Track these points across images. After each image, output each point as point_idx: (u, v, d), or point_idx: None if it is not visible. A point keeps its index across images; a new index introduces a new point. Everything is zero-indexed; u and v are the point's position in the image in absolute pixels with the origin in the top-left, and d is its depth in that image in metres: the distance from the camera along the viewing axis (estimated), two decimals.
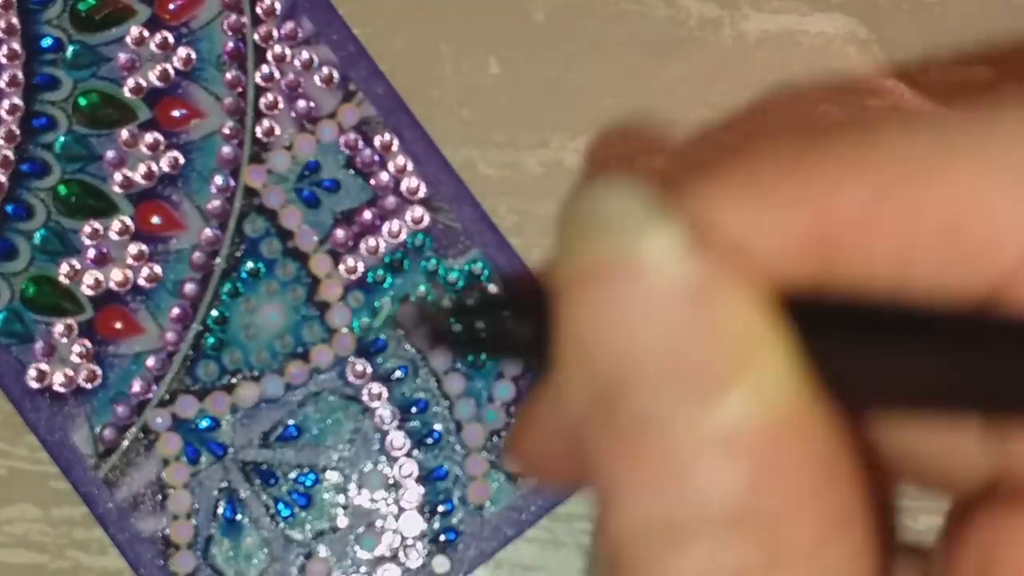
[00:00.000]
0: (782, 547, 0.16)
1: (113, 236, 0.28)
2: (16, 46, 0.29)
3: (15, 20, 0.29)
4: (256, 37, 0.29)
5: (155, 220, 0.28)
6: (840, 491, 0.16)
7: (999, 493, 0.17)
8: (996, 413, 0.17)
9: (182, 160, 0.29)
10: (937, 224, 0.16)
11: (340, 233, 0.28)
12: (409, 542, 0.28)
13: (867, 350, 0.17)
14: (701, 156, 0.29)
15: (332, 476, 0.28)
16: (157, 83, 0.29)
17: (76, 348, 0.28)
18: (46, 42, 0.29)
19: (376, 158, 0.29)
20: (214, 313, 0.28)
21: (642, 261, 0.16)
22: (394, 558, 0.28)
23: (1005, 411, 0.17)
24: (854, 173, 0.16)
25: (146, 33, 0.29)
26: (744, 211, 0.17)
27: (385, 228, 0.28)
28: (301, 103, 0.29)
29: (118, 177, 0.28)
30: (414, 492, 0.28)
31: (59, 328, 0.28)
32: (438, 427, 0.28)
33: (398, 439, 0.28)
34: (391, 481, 0.28)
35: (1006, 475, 0.17)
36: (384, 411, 0.28)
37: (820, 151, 0.17)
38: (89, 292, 0.28)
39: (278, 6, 0.29)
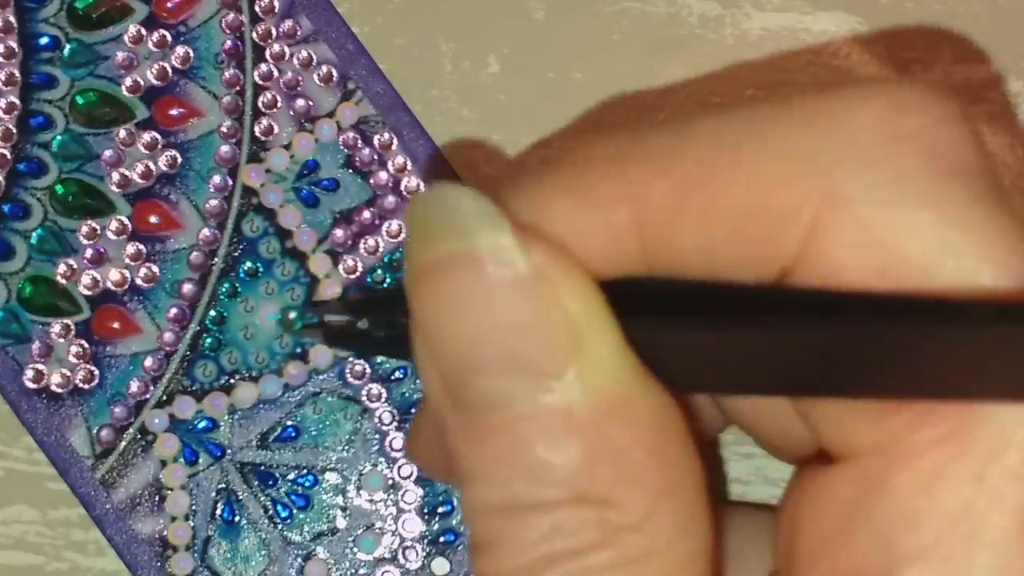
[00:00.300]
0: (613, 522, 0.17)
1: (110, 236, 0.28)
2: (13, 44, 0.28)
3: (12, 18, 0.29)
4: (254, 35, 0.29)
5: (153, 219, 0.28)
6: (668, 464, 0.17)
7: (814, 459, 0.18)
8: (799, 388, 0.18)
9: (180, 159, 0.28)
10: (731, 213, 0.17)
11: (339, 233, 0.28)
12: (408, 543, 0.28)
13: (686, 331, 0.18)
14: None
15: (331, 477, 0.28)
16: (155, 81, 0.28)
17: (73, 348, 0.28)
18: (43, 40, 0.29)
19: (375, 157, 0.28)
20: (212, 313, 0.28)
21: (479, 256, 0.17)
22: (393, 560, 0.28)
23: (804, 385, 0.18)
24: (662, 169, 0.18)
25: (144, 31, 0.28)
26: (570, 210, 0.18)
27: (384, 228, 0.28)
28: (300, 102, 0.28)
29: (115, 176, 0.28)
30: (413, 493, 0.28)
31: (56, 328, 0.28)
32: None
33: (398, 440, 0.28)
34: (390, 482, 0.28)
35: (821, 443, 0.18)
36: (384, 412, 0.28)
37: (635, 149, 0.18)
38: (86, 292, 0.28)
39: (277, 4, 0.29)
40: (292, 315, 0.27)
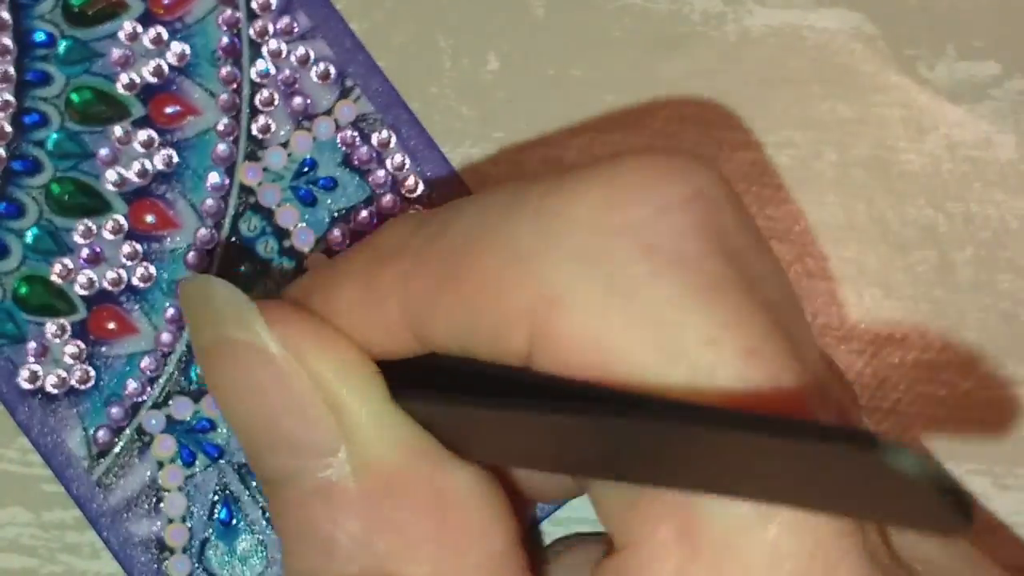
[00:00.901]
0: None
1: (106, 235, 0.28)
2: (7, 41, 0.28)
3: (6, 15, 0.28)
4: (251, 32, 0.28)
5: (149, 219, 0.28)
6: (449, 532, 0.18)
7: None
8: (560, 467, 0.19)
9: (176, 158, 0.28)
10: (469, 312, 0.18)
11: (337, 232, 0.28)
12: None
13: (461, 408, 0.18)
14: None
15: None
16: (151, 79, 0.28)
17: (69, 349, 0.28)
18: (38, 37, 0.28)
19: (374, 155, 0.28)
20: None
21: (233, 344, 0.18)
22: None
23: (564, 465, 0.19)
24: (420, 266, 0.18)
25: (139, 28, 0.28)
26: (354, 300, 0.19)
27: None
28: (297, 99, 0.28)
29: (111, 175, 0.28)
30: None
31: (52, 328, 0.28)
32: None
33: None
34: None
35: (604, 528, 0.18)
36: None
37: (412, 240, 0.19)
38: (82, 292, 0.28)
39: (274, 1, 0.28)
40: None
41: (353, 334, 0.19)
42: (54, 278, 0.28)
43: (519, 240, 0.17)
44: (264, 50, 0.28)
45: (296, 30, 0.28)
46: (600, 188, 0.17)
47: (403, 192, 0.28)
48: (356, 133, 0.28)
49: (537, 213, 0.17)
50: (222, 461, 0.28)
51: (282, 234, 0.28)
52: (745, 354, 0.16)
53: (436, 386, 0.19)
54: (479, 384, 0.18)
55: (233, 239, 0.28)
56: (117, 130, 0.28)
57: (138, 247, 0.28)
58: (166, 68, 0.28)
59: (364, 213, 0.28)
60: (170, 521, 0.28)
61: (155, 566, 0.27)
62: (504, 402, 0.17)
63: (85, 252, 0.28)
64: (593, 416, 0.16)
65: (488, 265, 0.17)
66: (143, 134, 0.28)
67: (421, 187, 0.28)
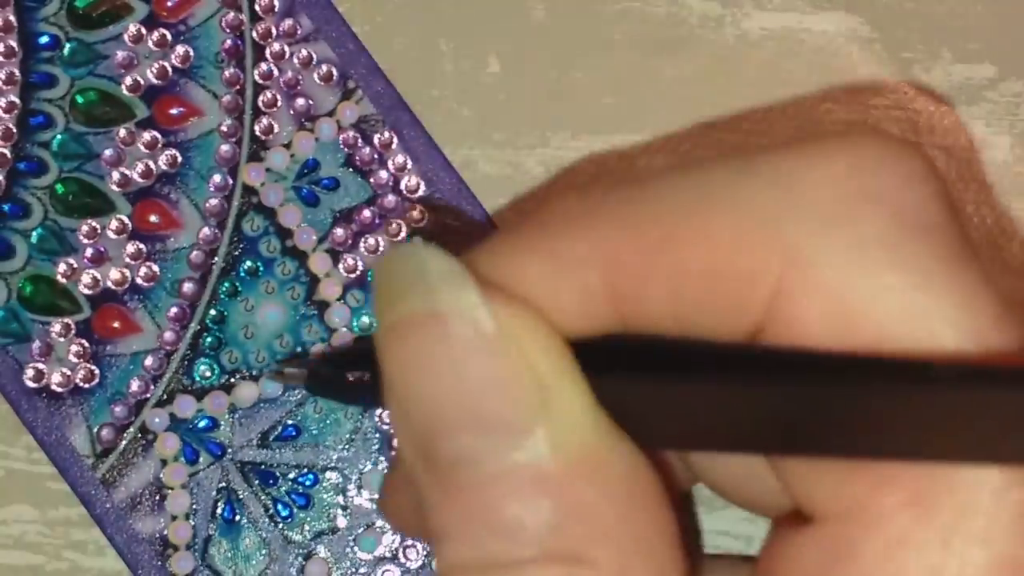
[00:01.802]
0: None
1: (110, 235, 0.28)
2: (13, 43, 0.28)
3: (12, 17, 0.28)
4: (254, 34, 0.29)
5: (153, 219, 0.28)
6: (640, 521, 0.17)
7: (789, 516, 0.18)
8: (767, 446, 0.18)
9: (180, 158, 0.28)
10: (696, 276, 0.17)
11: (339, 232, 0.28)
12: (409, 543, 0.28)
13: (656, 388, 0.18)
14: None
15: (331, 476, 0.28)
16: (155, 81, 0.28)
17: (73, 348, 0.28)
18: (43, 39, 0.28)
19: (375, 156, 0.28)
20: (212, 312, 0.28)
21: (443, 316, 0.17)
22: (394, 559, 0.28)
23: (773, 443, 0.18)
24: (631, 232, 0.18)
25: (144, 30, 0.28)
26: (544, 272, 0.18)
27: (385, 227, 0.28)
28: (300, 101, 0.28)
29: (116, 175, 0.28)
30: None
31: (56, 328, 0.28)
32: None
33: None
34: None
35: (793, 501, 0.18)
36: (384, 411, 0.28)
37: (606, 210, 0.18)
38: (86, 291, 0.28)
39: (277, 3, 0.29)
40: (273, 366, 0.27)
41: (532, 306, 0.18)
42: (59, 278, 0.28)
43: (758, 202, 0.17)
44: (267, 52, 0.29)
45: (299, 32, 0.28)
46: (844, 156, 0.17)
47: (405, 192, 0.28)
48: (358, 134, 0.28)
49: (775, 178, 0.17)
50: (225, 459, 0.28)
51: (284, 234, 0.28)
52: (995, 319, 0.16)
53: (616, 368, 0.18)
54: (651, 365, 0.18)
55: (236, 238, 0.28)
56: (121, 131, 0.28)
57: (142, 247, 0.28)
58: (170, 70, 0.28)
59: (366, 213, 0.28)
60: (174, 518, 0.28)
61: (159, 563, 0.28)
62: (717, 378, 0.17)
63: (89, 252, 0.28)
64: (832, 387, 0.16)
65: (724, 226, 0.17)
66: (147, 135, 0.28)
67: (422, 188, 0.28)
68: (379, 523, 0.28)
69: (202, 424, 0.28)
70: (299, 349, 0.28)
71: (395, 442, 0.19)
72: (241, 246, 0.28)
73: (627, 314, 0.18)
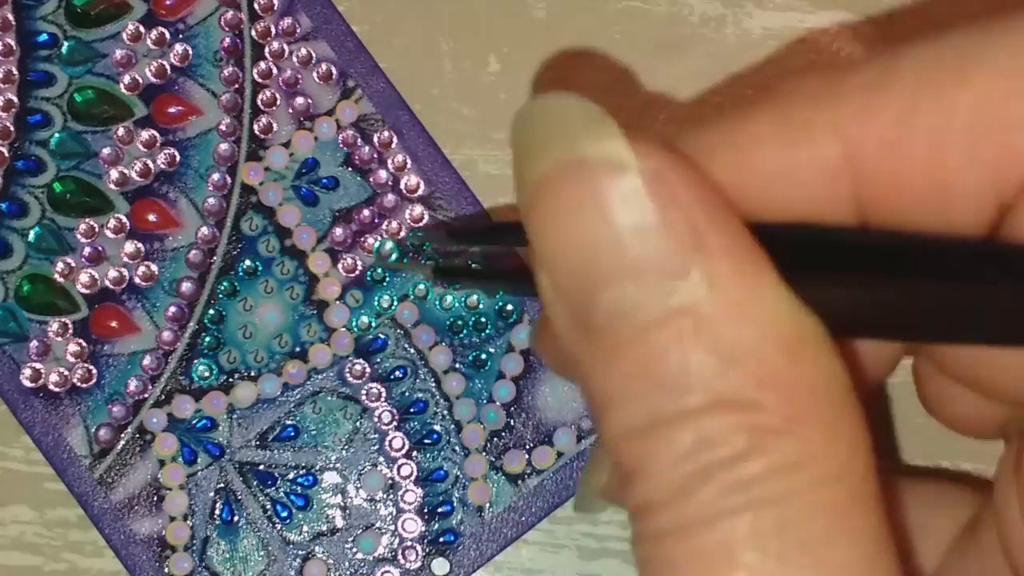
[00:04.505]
0: (760, 426, 0.16)
1: (109, 234, 0.28)
2: (11, 42, 0.28)
3: (10, 15, 0.28)
4: (253, 33, 0.28)
5: (151, 218, 0.28)
6: (806, 365, 0.16)
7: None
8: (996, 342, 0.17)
9: (178, 157, 0.28)
10: (964, 132, 0.16)
11: (338, 231, 0.28)
12: (408, 543, 0.28)
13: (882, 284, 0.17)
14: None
15: (330, 477, 0.28)
16: (153, 79, 0.28)
17: (71, 347, 0.28)
18: (41, 38, 0.28)
19: (375, 155, 0.28)
20: (211, 312, 0.28)
21: (590, 163, 0.16)
22: (393, 560, 0.28)
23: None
24: (880, 97, 0.17)
25: (142, 29, 0.28)
26: (778, 148, 0.17)
27: (384, 226, 0.28)
28: (299, 100, 0.28)
29: (114, 174, 0.28)
30: (413, 493, 0.28)
31: (54, 327, 0.28)
32: (437, 428, 0.28)
33: (397, 440, 0.28)
34: (390, 482, 0.28)
35: None
36: (383, 411, 0.28)
37: (845, 83, 0.17)
38: (84, 291, 0.28)
39: (276, 2, 0.28)
40: (389, 246, 0.27)
41: (762, 184, 0.17)
42: (56, 277, 0.28)
43: (1018, 56, 0.16)
44: (266, 51, 0.28)
45: (298, 31, 0.28)
46: None
47: (404, 192, 0.28)
48: (357, 133, 0.28)
49: (1019, 37, 0.16)
50: (223, 459, 0.28)
51: (284, 233, 0.28)
52: None
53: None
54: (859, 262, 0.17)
55: (234, 238, 0.28)
56: (119, 130, 0.28)
57: (140, 246, 0.28)
58: (168, 68, 0.28)
59: (365, 212, 0.28)
60: (172, 519, 0.28)
61: (157, 564, 0.27)
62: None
63: (87, 251, 0.28)
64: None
65: (987, 80, 0.16)
66: (145, 134, 0.28)
67: (422, 187, 0.28)
68: (378, 524, 0.28)
69: (200, 424, 0.28)
70: (297, 349, 0.28)
71: (550, 316, 0.18)
72: (240, 246, 0.28)
73: (872, 192, 0.17)
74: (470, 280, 0.23)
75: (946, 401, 0.21)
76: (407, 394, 0.28)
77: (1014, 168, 0.16)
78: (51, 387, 0.28)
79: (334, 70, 0.28)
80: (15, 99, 0.28)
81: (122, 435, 0.28)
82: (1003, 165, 0.16)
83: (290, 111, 0.28)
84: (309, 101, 0.28)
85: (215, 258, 0.28)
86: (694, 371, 0.16)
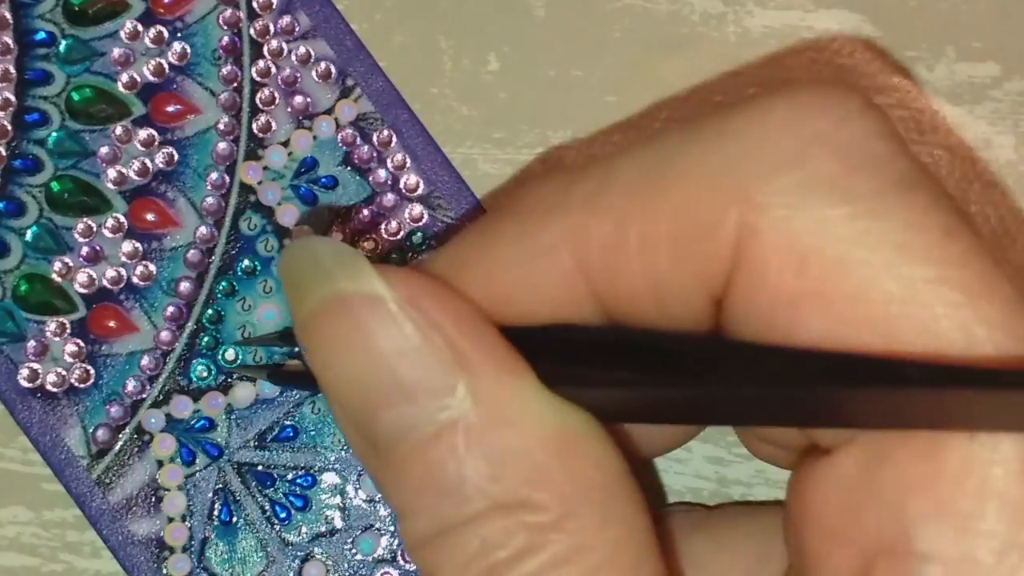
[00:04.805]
0: (535, 524, 0.18)
1: (106, 233, 0.28)
2: (8, 40, 0.28)
3: (7, 14, 0.28)
4: (252, 31, 0.28)
5: (149, 217, 0.28)
6: (573, 460, 0.18)
7: (808, 453, 0.19)
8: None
9: (177, 156, 0.28)
10: (665, 238, 0.18)
11: (337, 232, 0.28)
12: None
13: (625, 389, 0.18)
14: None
15: (329, 478, 0.28)
16: (151, 78, 0.28)
17: (69, 347, 0.28)
18: (39, 36, 0.28)
19: (374, 155, 0.28)
20: (209, 312, 0.28)
21: (347, 298, 0.18)
22: (393, 560, 0.27)
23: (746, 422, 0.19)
24: (597, 209, 0.19)
25: (140, 27, 0.28)
26: (517, 260, 0.19)
27: (383, 226, 0.28)
28: (298, 98, 0.28)
29: (112, 173, 0.28)
30: None
31: (51, 327, 0.28)
32: None
33: None
34: None
35: (813, 437, 0.19)
36: None
37: (570, 194, 0.19)
38: (82, 290, 0.28)
39: (274, 0, 0.28)
40: (231, 352, 0.27)
41: (509, 295, 0.19)
42: (54, 276, 0.28)
43: (709, 159, 0.18)
44: (265, 49, 0.28)
45: (297, 29, 0.28)
46: (784, 106, 0.18)
47: (404, 191, 0.28)
48: (357, 132, 0.28)
49: (721, 137, 0.18)
50: (222, 460, 0.28)
51: (283, 233, 0.28)
52: (945, 235, 0.17)
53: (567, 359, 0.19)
54: (625, 358, 0.19)
55: (233, 237, 0.28)
56: (118, 129, 0.28)
57: (138, 245, 0.28)
58: (167, 67, 0.28)
59: (364, 212, 0.28)
60: (170, 520, 0.27)
61: (155, 565, 0.27)
62: (669, 380, 0.18)
63: (85, 250, 0.28)
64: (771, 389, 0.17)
65: (681, 187, 0.18)
66: (143, 133, 0.28)
67: (422, 186, 0.28)
68: (377, 525, 0.28)
69: (199, 425, 0.28)
70: (296, 349, 0.28)
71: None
72: (239, 245, 0.28)
73: (604, 293, 0.19)
74: (304, 382, 0.25)
75: (746, 442, 0.23)
76: None
77: (714, 269, 0.18)
78: (49, 387, 0.28)
79: (333, 69, 0.28)
80: (12, 98, 0.28)
81: (120, 435, 0.28)
82: (704, 267, 0.18)
83: (289, 110, 0.28)
84: (308, 100, 0.28)
85: (213, 258, 0.28)
86: (470, 479, 0.18)
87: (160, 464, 0.28)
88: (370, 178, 0.28)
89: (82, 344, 0.28)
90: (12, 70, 0.28)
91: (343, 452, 0.28)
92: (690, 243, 0.18)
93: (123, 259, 0.28)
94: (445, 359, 0.18)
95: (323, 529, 0.27)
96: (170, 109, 0.28)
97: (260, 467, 0.28)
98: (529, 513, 0.18)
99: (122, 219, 0.28)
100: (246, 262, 0.28)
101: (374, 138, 0.28)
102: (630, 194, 0.18)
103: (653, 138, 0.19)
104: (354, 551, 0.27)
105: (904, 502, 0.17)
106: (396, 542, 0.28)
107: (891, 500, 0.17)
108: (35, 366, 0.28)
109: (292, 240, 0.22)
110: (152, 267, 0.28)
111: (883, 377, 0.16)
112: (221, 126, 0.28)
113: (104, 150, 0.28)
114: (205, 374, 0.28)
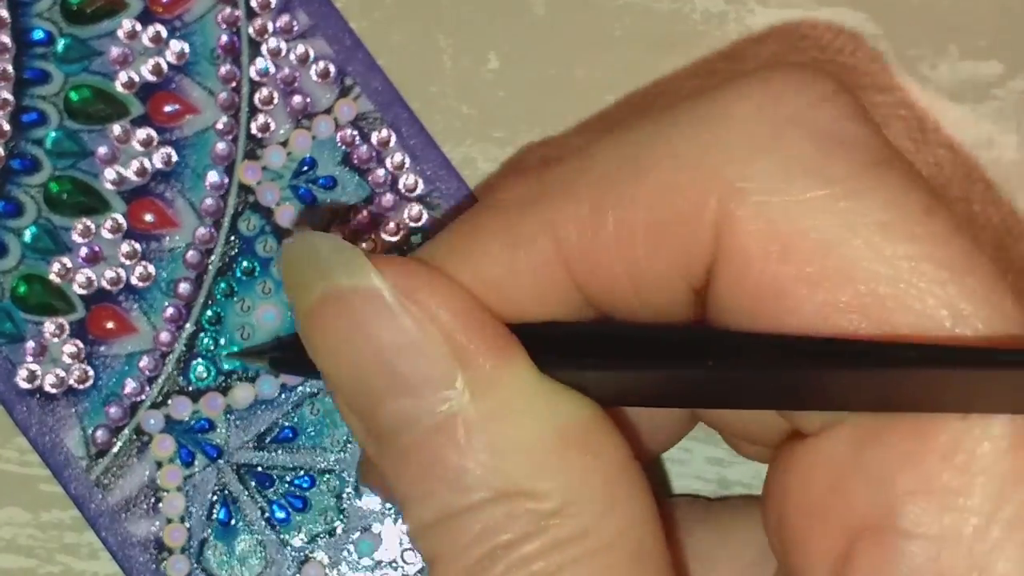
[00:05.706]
0: (536, 511, 0.18)
1: (105, 234, 0.28)
2: (6, 39, 0.28)
3: (4, 13, 0.28)
4: (251, 31, 0.28)
5: (148, 218, 0.28)
6: (575, 449, 0.18)
7: (788, 439, 0.19)
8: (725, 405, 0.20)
9: (175, 156, 0.28)
10: (644, 224, 0.18)
11: (337, 231, 0.28)
12: (407, 546, 0.27)
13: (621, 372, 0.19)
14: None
15: (328, 479, 0.28)
16: (150, 77, 0.28)
17: (67, 348, 0.28)
18: (37, 35, 0.28)
19: (373, 154, 0.28)
20: (208, 313, 0.28)
21: (344, 292, 0.18)
22: (392, 562, 0.27)
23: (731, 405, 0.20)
24: (572, 198, 0.19)
25: (138, 27, 0.28)
26: (498, 253, 0.19)
27: (382, 225, 0.28)
28: (297, 98, 0.28)
29: (110, 174, 0.28)
30: None
31: (50, 328, 0.28)
32: None
33: None
34: None
35: (796, 424, 0.19)
36: None
37: (546, 184, 0.19)
38: (81, 291, 0.28)
39: None
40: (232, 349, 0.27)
41: (494, 287, 0.19)
42: (53, 277, 0.28)
43: (685, 146, 0.18)
44: (263, 48, 0.28)
45: (296, 28, 0.28)
46: (756, 91, 0.18)
47: (403, 191, 0.28)
48: (356, 132, 0.28)
49: (697, 121, 0.18)
50: (221, 461, 0.28)
51: (281, 233, 0.28)
52: (925, 213, 0.17)
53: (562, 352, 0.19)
54: (612, 350, 0.19)
55: (232, 238, 0.28)
56: (116, 129, 0.28)
57: (137, 246, 0.28)
58: (165, 66, 0.28)
59: (363, 212, 0.28)
60: (169, 521, 0.27)
61: (153, 566, 0.27)
62: (656, 362, 0.18)
63: (84, 251, 0.28)
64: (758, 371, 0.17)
65: (658, 175, 0.18)
66: (142, 133, 0.28)
67: (421, 186, 0.28)
68: (376, 526, 0.27)
69: (198, 426, 0.28)
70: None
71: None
72: (238, 246, 0.28)
73: (585, 281, 0.19)
74: (305, 369, 0.25)
75: (733, 443, 0.23)
76: None
77: (693, 257, 0.18)
78: (48, 388, 0.28)
79: (332, 68, 0.28)
80: (10, 97, 0.28)
81: (119, 436, 0.28)
82: (683, 255, 0.18)
83: (288, 109, 0.28)
84: (307, 99, 0.28)
85: (212, 258, 0.28)
86: (472, 469, 0.18)
87: (159, 465, 0.28)
88: (369, 178, 0.28)
89: (81, 345, 0.28)
90: (10, 69, 0.28)
91: (342, 453, 0.28)
92: (668, 230, 0.18)
93: (122, 260, 0.28)
94: (443, 352, 0.18)
95: (322, 530, 0.27)
96: (168, 109, 0.28)
97: (259, 468, 0.28)
98: (531, 501, 0.18)
99: (121, 220, 0.28)
100: (245, 263, 0.28)
101: (373, 138, 0.28)
102: (606, 180, 0.18)
103: (630, 125, 0.19)
104: (353, 552, 0.27)
105: (892, 479, 0.17)
106: (395, 543, 0.27)
107: (878, 477, 0.17)
108: (34, 367, 0.28)
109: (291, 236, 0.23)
110: (151, 268, 0.28)
111: (874, 359, 0.16)
112: (220, 126, 0.28)
113: (102, 150, 0.28)
114: (204, 375, 0.28)
